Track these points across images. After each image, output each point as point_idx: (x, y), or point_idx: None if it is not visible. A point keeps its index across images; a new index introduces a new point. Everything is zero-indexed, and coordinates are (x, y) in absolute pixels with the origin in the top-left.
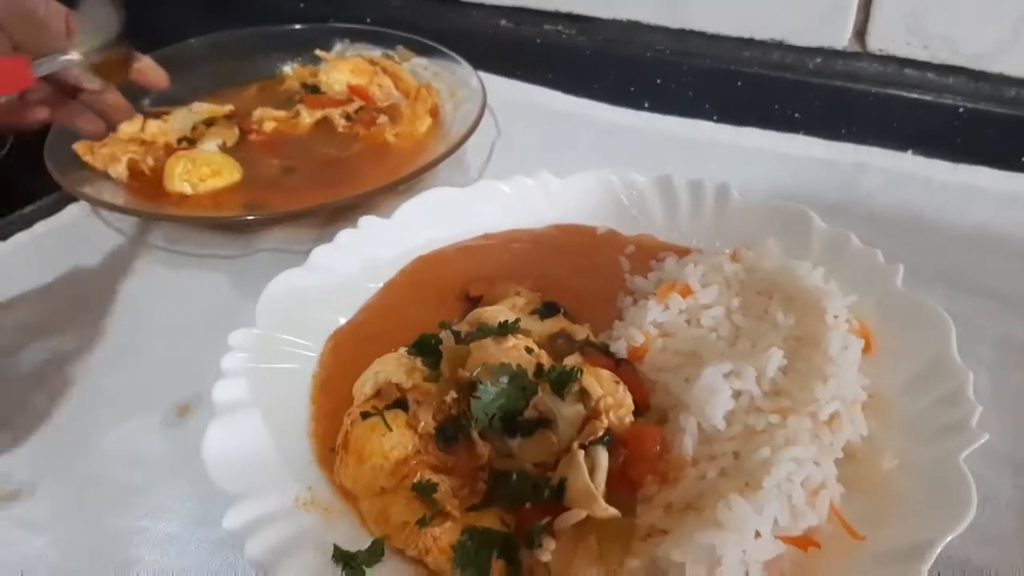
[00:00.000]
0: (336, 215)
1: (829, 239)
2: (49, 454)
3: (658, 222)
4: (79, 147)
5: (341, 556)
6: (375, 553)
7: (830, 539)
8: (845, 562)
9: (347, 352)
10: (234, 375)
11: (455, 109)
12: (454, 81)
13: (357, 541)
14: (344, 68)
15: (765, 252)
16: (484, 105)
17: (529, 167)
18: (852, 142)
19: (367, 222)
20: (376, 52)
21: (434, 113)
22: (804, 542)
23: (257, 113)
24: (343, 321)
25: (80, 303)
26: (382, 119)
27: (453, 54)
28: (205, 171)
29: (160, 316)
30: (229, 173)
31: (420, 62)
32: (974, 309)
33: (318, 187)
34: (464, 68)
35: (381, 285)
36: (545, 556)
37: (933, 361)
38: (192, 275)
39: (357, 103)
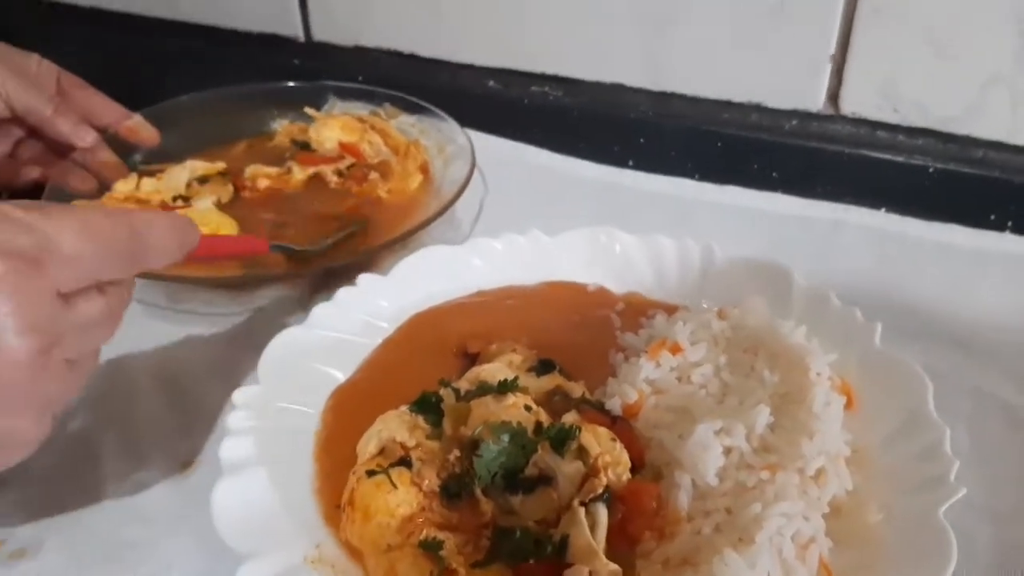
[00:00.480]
0: (332, 270)
1: (810, 297)
2: (54, 512)
3: (646, 280)
4: (78, 204)
5: None
6: None
7: None
8: None
9: (348, 409)
10: (239, 434)
11: (445, 166)
12: (441, 138)
13: None
14: (334, 126)
15: (750, 310)
16: (473, 162)
17: (518, 222)
18: (829, 200)
19: (365, 280)
20: (364, 110)
21: (424, 170)
22: None
23: (250, 170)
24: (343, 378)
25: None
26: (373, 175)
27: (439, 111)
28: (205, 231)
29: (160, 371)
30: (226, 231)
31: (407, 120)
32: (950, 363)
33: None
34: (450, 125)
35: (379, 342)
36: None
37: (911, 417)
38: (192, 330)
39: (348, 160)
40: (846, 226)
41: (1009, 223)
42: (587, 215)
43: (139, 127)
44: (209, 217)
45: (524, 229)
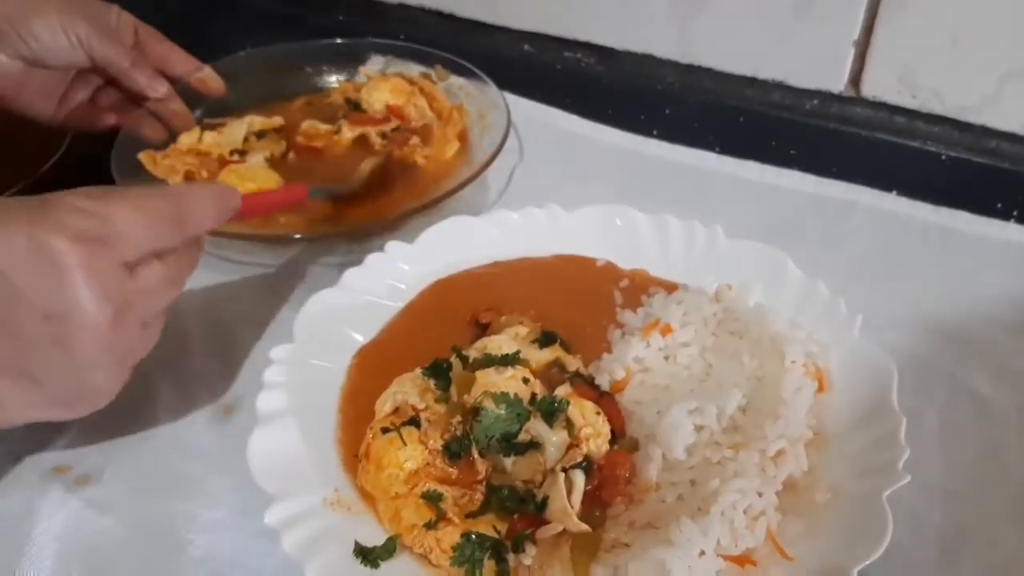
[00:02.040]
0: (367, 233)
1: (801, 285)
2: (112, 445)
3: (653, 257)
4: (143, 157)
5: (360, 551)
6: (388, 550)
7: (765, 558)
8: None
9: (370, 367)
10: (274, 387)
11: (482, 133)
12: (484, 103)
13: (374, 537)
14: (384, 88)
15: (744, 293)
16: (507, 132)
17: (546, 189)
18: (842, 180)
19: (393, 247)
20: (415, 70)
21: (462, 137)
22: (742, 560)
23: (305, 124)
24: (368, 339)
25: None
26: (414, 140)
27: (485, 77)
28: (250, 186)
29: (206, 323)
30: (271, 186)
31: (456, 82)
32: (933, 350)
33: (351, 205)
34: (493, 91)
35: (402, 306)
36: (527, 560)
37: (874, 404)
38: (234, 284)
39: (393, 123)
40: (857, 206)
41: (1015, 213)
42: (611, 183)
43: (209, 78)
44: (257, 173)
45: (547, 200)
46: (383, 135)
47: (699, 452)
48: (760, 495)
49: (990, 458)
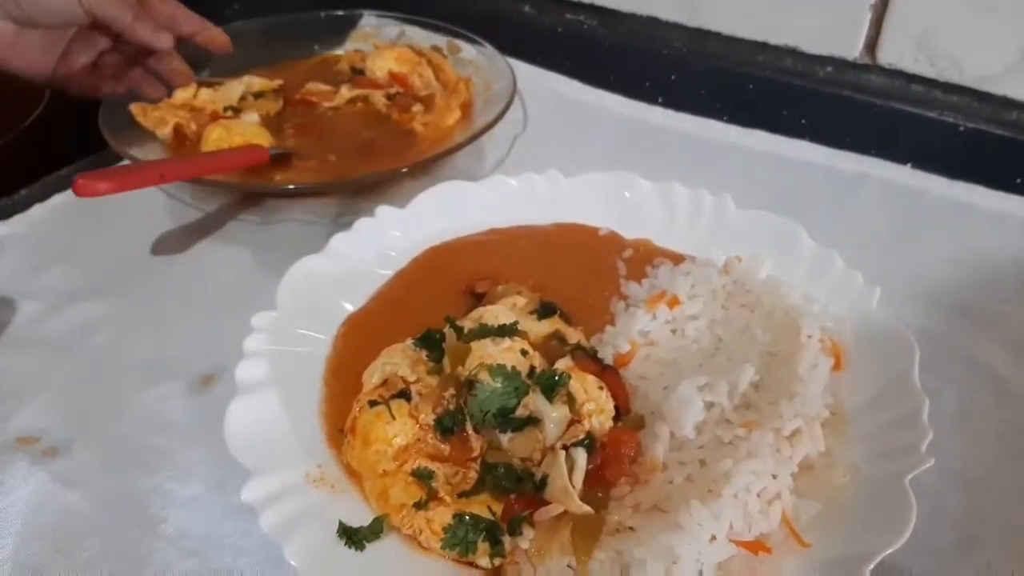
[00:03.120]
0: (355, 192)
1: (815, 256)
2: (83, 415)
3: (657, 226)
4: (134, 108)
5: (345, 531)
6: (375, 530)
7: (780, 544)
8: (791, 566)
9: (358, 337)
10: (255, 356)
11: (486, 103)
12: (492, 74)
13: (360, 517)
14: (389, 56)
15: (755, 264)
16: (511, 100)
17: (547, 157)
18: (854, 151)
19: (383, 212)
20: (427, 42)
21: (466, 108)
22: (755, 546)
23: (308, 85)
24: (356, 307)
25: (111, 271)
26: (417, 107)
27: (495, 49)
28: (237, 140)
29: (186, 287)
30: (259, 143)
31: (467, 55)
32: (949, 326)
33: (342, 165)
34: (501, 62)
35: (393, 274)
36: (524, 544)
37: (895, 383)
38: (217, 244)
39: (397, 88)
40: (869, 179)
41: None
42: (613, 152)
43: (216, 35)
44: (247, 129)
45: (548, 167)
46: (388, 97)
47: (709, 430)
48: (775, 477)
49: (1010, 441)
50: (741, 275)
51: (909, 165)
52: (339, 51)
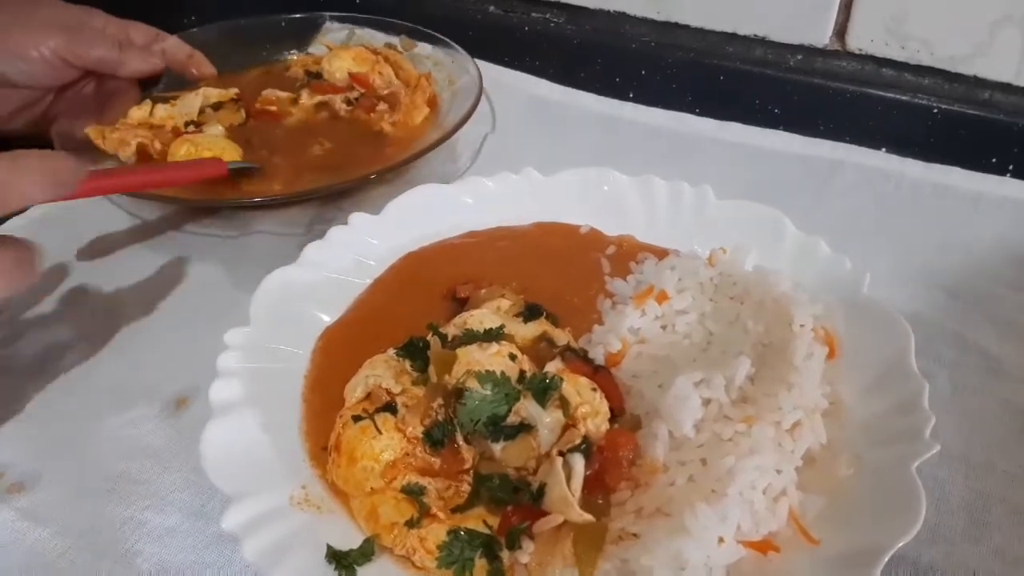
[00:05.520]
0: (329, 199)
1: (801, 244)
2: (51, 445)
3: (639, 222)
4: (91, 131)
5: (334, 555)
6: (366, 553)
7: (788, 542)
8: (801, 564)
9: (337, 350)
10: (229, 375)
11: (453, 99)
12: (454, 70)
13: (349, 538)
14: (346, 56)
15: (740, 255)
16: (479, 96)
17: (519, 157)
18: (829, 139)
19: (357, 219)
20: (379, 40)
21: (432, 103)
22: (764, 546)
23: (265, 92)
24: (334, 319)
25: (78, 291)
26: (382, 106)
27: (454, 44)
28: (207, 155)
29: (156, 306)
30: (229, 156)
31: (422, 52)
32: (938, 309)
33: (314, 172)
34: (463, 57)
35: (370, 282)
36: (524, 558)
37: (892, 368)
38: (187, 261)
39: (358, 90)
40: (845, 166)
41: (1010, 167)
42: (586, 150)
43: (200, 62)
44: (215, 142)
45: (520, 166)
46: (348, 101)
47: (708, 428)
48: (779, 472)
49: (1008, 420)
50: (727, 267)
51: (884, 150)
52: (292, 56)
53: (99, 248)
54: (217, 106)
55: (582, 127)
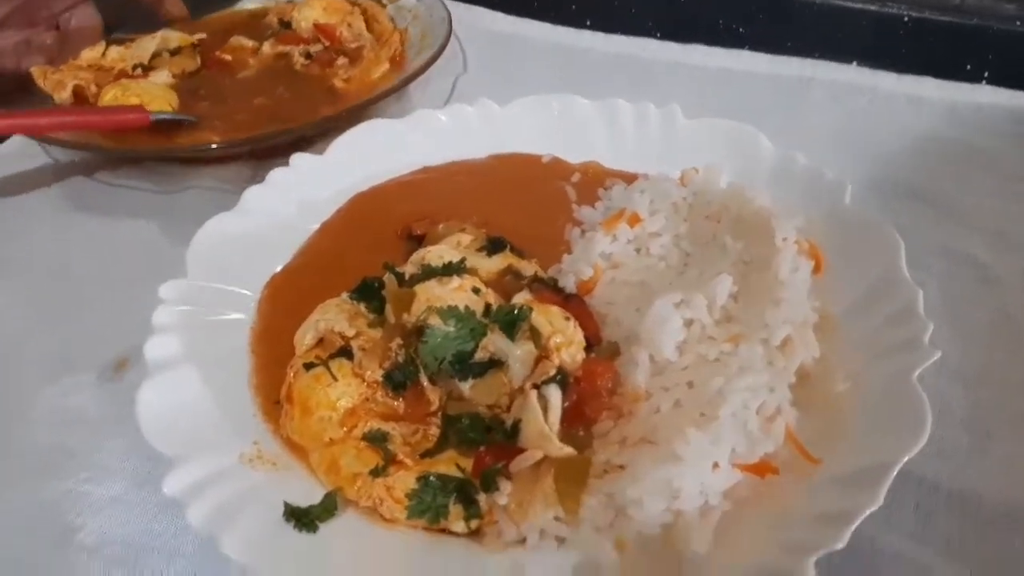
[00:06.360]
0: (267, 155)
1: (776, 159)
2: None
3: (603, 148)
4: (35, 70)
5: (292, 513)
6: (328, 507)
7: (786, 464)
8: (802, 486)
9: (285, 299)
10: (167, 330)
11: (419, 54)
12: (430, 23)
13: (309, 495)
14: (316, 6)
15: (713, 174)
16: (446, 41)
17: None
18: (798, 56)
19: (300, 160)
20: None
21: (396, 60)
22: (761, 469)
23: (232, 40)
24: (279, 266)
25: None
26: (341, 61)
27: None
28: (134, 101)
29: (86, 267)
30: (158, 105)
31: (405, 4)
32: (920, 219)
33: (254, 127)
34: (439, 6)
35: (318, 226)
36: (502, 499)
37: (882, 279)
38: (120, 216)
39: (323, 43)
40: (815, 83)
41: (985, 74)
42: (549, 83)
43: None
44: (148, 90)
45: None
46: (307, 54)
47: (692, 350)
48: (772, 391)
49: (1003, 328)
50: (701, 186)
51: (855, 63)
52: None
53: (17, 209)
54: (176, 52)
55: (543, 59)
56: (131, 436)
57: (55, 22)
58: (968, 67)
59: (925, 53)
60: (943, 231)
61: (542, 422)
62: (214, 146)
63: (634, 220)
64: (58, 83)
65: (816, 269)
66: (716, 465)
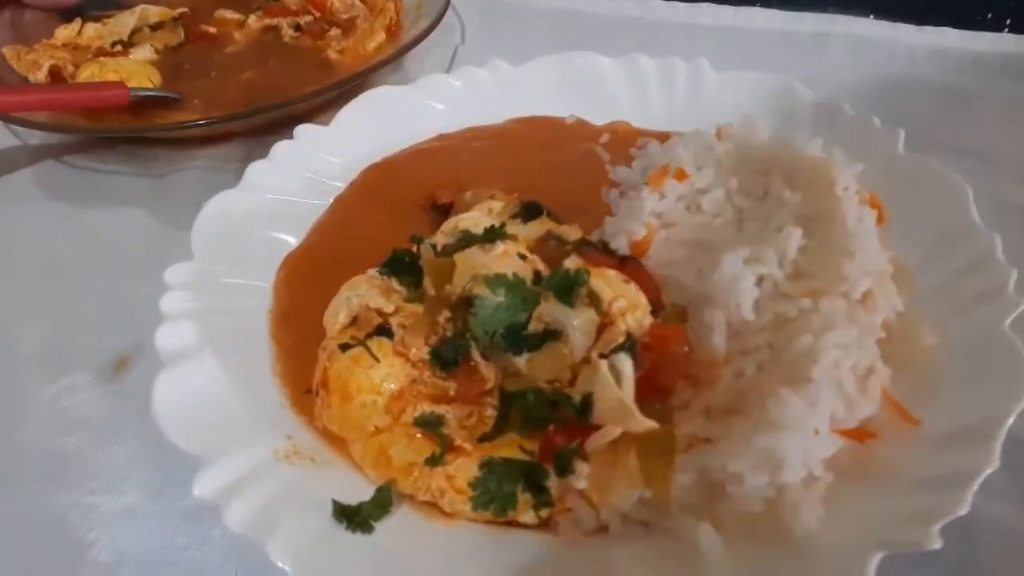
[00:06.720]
0: (264, 133)
1: (819, 108)
2: None
3: (627, 107)
4: (7, 51)
5: (343, 512)
6: (382, 503)
7: (885, 427)
8: (905, 450)
9: (303, 279)
10: (178, 318)
11: (415, 24)
12: None
13: (355, 491)
14: None
15: (751, 127)
16: (445, 9)
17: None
18: (812, 11)
19: (304, 131)
20: None
21: (392, 30)
22: (861, 434)
23: (217, 13)
24: (293, 245)
25: None
26: (334, 32)
27: None
28: (111, 79)
29: (81, 258)
30: (136, 82)
31: None
32: (971, 175)
33: (243, 104)
34: None
35: (330, 201)
36: (580, 483)
37: (951, 227)
38: (108, 205)
39: (312, 14)
40: (832, 38)
41: (1008, 22)
42: (546, 52)
43: None
44: (127, 67)
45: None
46: (296, 26)
47: (768, 308)
48: (861, 348)
49: None
50: (741, 140)
51: (871, 16)
52: None
53: (14, 196)
54: (158, 26)
55: (546, 25)
56: (138, 441)
57: None
58: (989, 16)
59: (944, 2)
60: (983, 180)
61: (620, 393)
62: (201, 122)
63: (681, 176)
64: (32, 63)
65: (879, 220)
66: (816, 431)
